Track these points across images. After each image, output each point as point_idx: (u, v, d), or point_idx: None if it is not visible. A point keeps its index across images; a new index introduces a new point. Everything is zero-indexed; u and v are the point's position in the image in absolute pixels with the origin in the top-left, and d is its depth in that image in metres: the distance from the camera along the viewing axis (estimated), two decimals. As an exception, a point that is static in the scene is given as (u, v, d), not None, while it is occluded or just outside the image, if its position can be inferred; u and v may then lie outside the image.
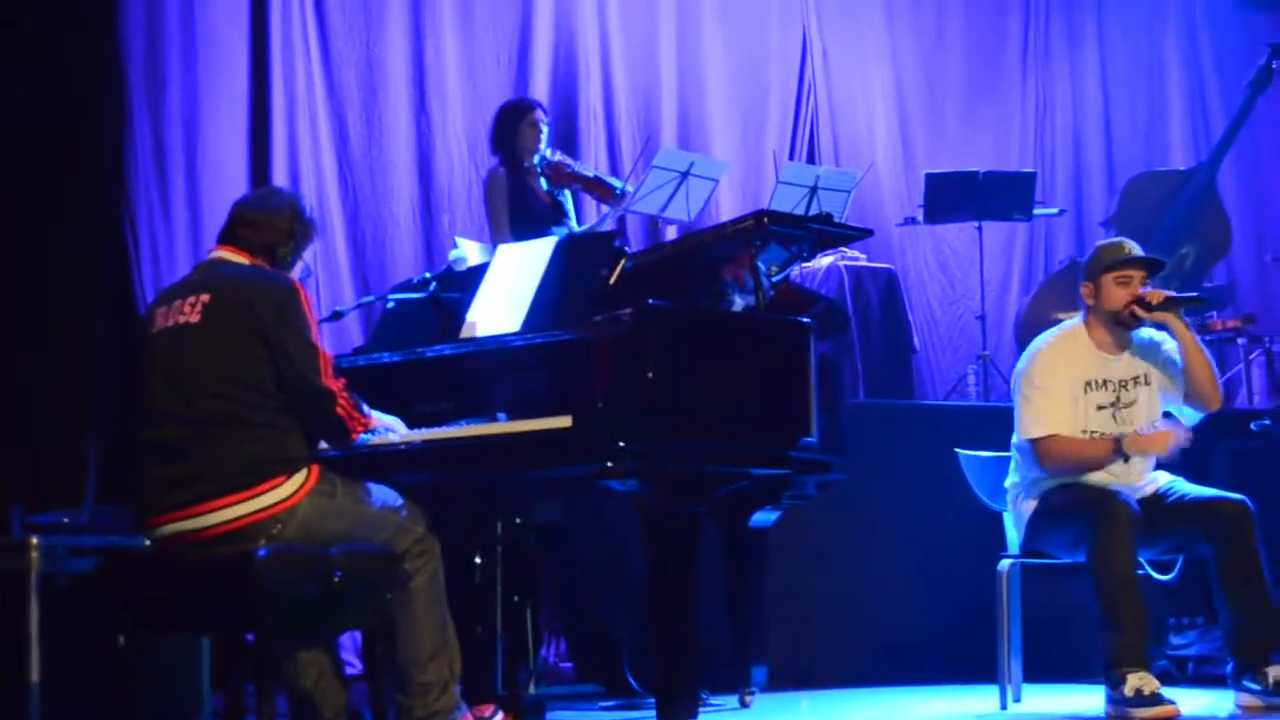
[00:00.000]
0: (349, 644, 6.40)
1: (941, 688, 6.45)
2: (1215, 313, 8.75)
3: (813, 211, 7.16)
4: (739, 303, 5.13)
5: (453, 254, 5.66)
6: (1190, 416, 5.65)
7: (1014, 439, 5.60)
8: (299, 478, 4.34)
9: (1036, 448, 5.48)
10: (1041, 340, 5.69)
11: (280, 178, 7.58)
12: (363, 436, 4.59)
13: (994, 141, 9.94)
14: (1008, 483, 5.70)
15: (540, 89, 8.40)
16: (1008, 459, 5.70)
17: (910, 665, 6.72)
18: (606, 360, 4.53)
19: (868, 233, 5.79)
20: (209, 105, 7.51)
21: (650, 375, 4.48)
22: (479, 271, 5.31)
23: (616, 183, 7.24)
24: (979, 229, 8.78)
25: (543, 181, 7.09)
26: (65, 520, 5.53)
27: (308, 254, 4.68)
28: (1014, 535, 5.70)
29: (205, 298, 4.41)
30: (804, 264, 6.34)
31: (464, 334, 5.11)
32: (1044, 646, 6.08)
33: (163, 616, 4.47)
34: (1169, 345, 5.60)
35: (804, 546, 6.60)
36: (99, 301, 6.89)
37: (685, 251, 5.41)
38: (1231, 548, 5.34)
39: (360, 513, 4.45)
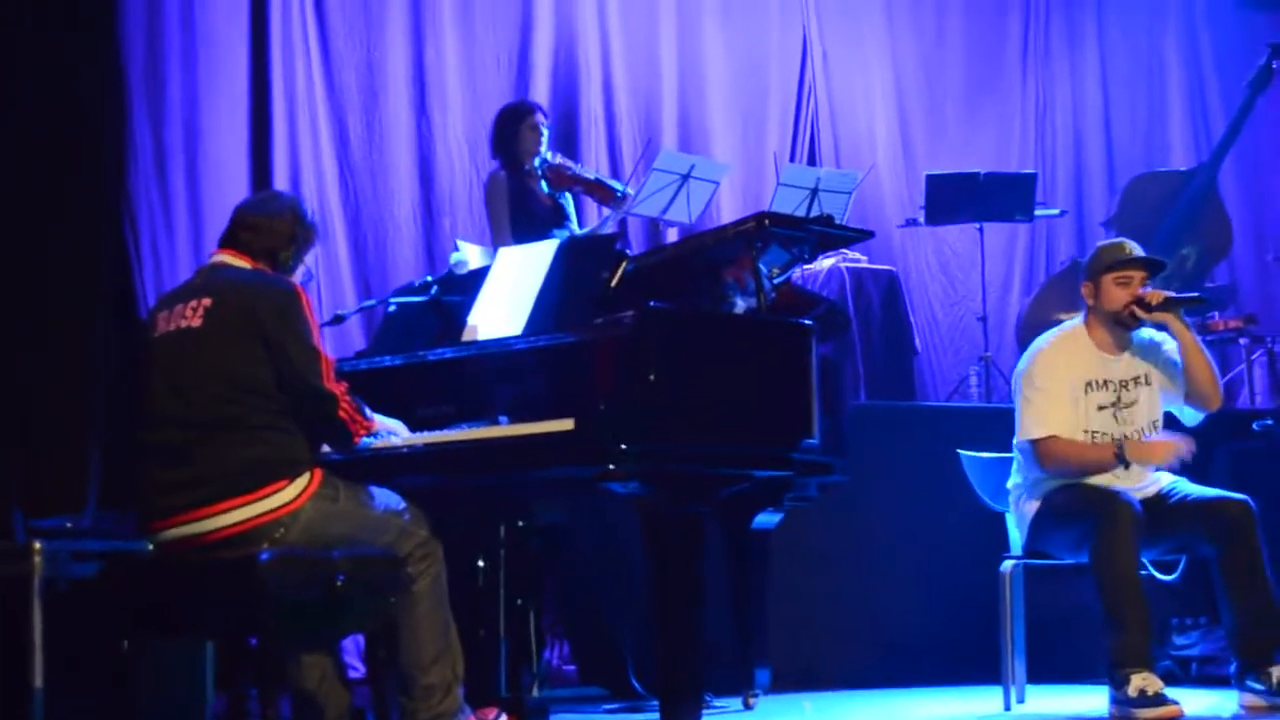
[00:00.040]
0: (352, 647, 6.41)
1: (945, 689, 6.45)
2: (1217, 313, 8.76)
3: (814, 213, 7.18)
4: (740, 305, 5.13)
5: (454, 257, 5.66)
6: (1191, 416, 5.65)
7: (1015, 440, 5.60)
8: (302, 481, 4.34)
9: (1037, 448, 5.48)
10: (1042, 341, 5.69)
11: (281, 181, 7.57)
12: (365, 440, 4.58)
13: (994, 142, 9.94)
14: (1010, 484, 5.70)
15: (541, 91, 8.40)
16: (1010, 460, 5.70)
17: (913, 666, 6.72)
18: (608, 363, 4.53)
19: (869, 234, 5.78)
20: (209, 107, 7.51)
21: (652, 377, 4.48)
22: (480, 275, 5.31)
23: (617, 185, 7.24)
24: (980, 230, 8.78)
25: (543, 184, 7.09)
26: (68, 524, 5.53)
27: (309, 258, 4.68)
28: (1016, 536, 5.70)
29: (207, 302, 4.41)
30: (805, 266, 6.35)
31: (465, 337, 5.11)
32: (1047, 647, 6.08)
33: (166, 620, 4.47)
34: (1169, 345, 5.60)
35: (806, 548, 6.60)
36: (99, 303, 6.88)
37: (686, 254, 5.41)
38: (1234, 548, 5.34)
39: (363, 516, 4.45)
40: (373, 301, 6.70)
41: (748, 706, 5.58)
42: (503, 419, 4.72)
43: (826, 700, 6.33)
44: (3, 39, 6.71)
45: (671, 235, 7.97)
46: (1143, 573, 5.37)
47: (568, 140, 8.38)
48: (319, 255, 6.43)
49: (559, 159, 7.13)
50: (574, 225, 7.17)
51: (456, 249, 6.48)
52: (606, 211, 7.33)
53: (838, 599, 6.83)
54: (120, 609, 4.48)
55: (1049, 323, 6.09)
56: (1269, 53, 9.12)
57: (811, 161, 9.24)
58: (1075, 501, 5.42)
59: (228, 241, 4.59)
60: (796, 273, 5.63)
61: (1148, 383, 5.61)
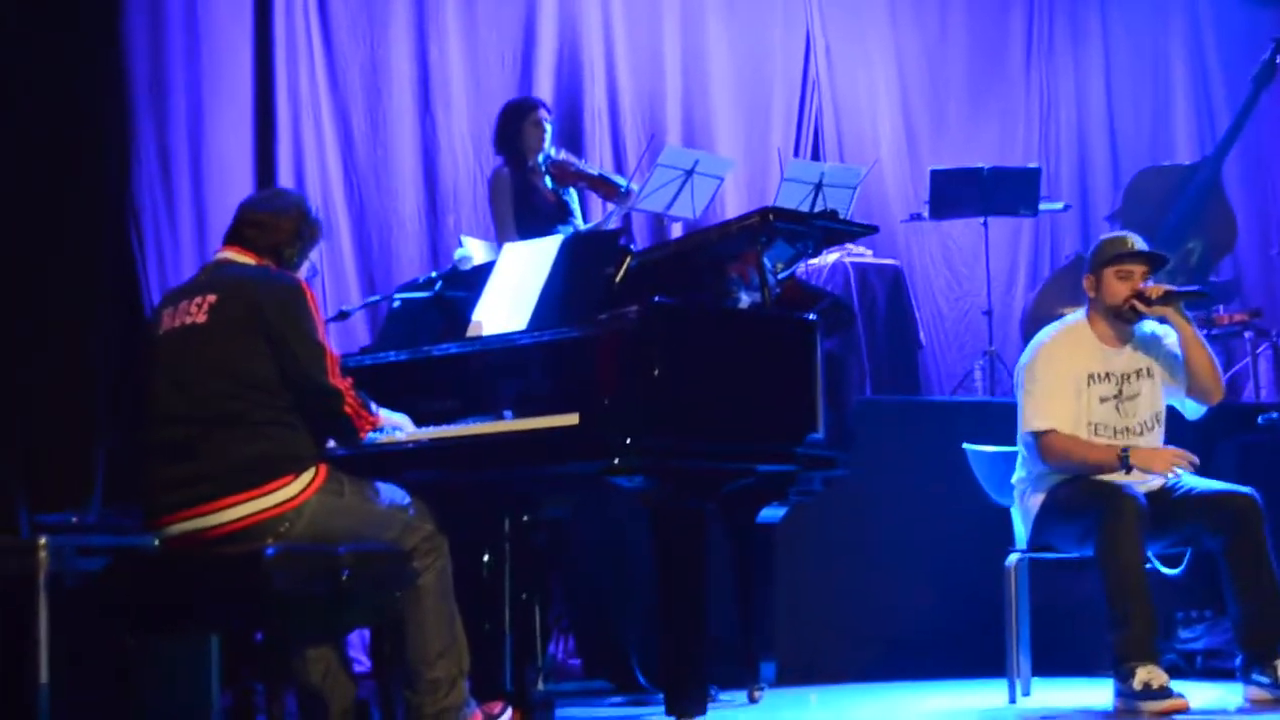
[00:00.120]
0: (357, 642, 6.41)
1: (949, 682, 6.46)
2: (1221, 307, 8.76)
3: (818, 208, 7.16)
4: (745, 300, 5.13)
5: (458, 253, 5.66)
6: (1193, 410, 5.65)
7: (1019, 433, 5.60)
8: (306, 476, 4.34)
9: (1040, 441, 5.49)
10: (1044, 334, 5.69)
11: (285, 178, 7.58)
12: (370, 435, 4.59)
13: (999, 137, 9.94)
14: (1015, 478, 5.70)
15: (545, 88, 8.40)
16: (1014, 454, 5.70)
17: (918, 660, 6.72)
18: (612, 358, 4.53)
19: (873, 229, 5.78)
20: (213, 106, 7.51)
21: (656, 372, 4.48)
22: (484, 270, 5.31)
23: (621, 181, 7.25)
24: (984, 224, 8.78)
25: (548, 180, 7.10)
26: (73, 520, 5.54)
27: (314, 254, 4.68)
28: (1021, 530, 5.70)
29: (212, 298, 4.41)
30: (809, 261, 6.35)
31: (470, 333, 5.12)
32: (1052, 641, 6.09)
33: (171, 616, 4.46)
34: (1171, 339, 5.60)
35: (811, 542, 6.61)
36: (101, 301, 6.89)
37: (691, 249, 5.41)
38: (1240, 541, 5.34)
39: (368, 511, 4.45)
40: (377, 297, 6.72)
41: (753, 700, 5.58)
42: (507, 414, 4.73)
43: (831, 694, 6.33)
44: (4, 39, 6.71)
45: (676, 231, 7.97)
46: (1147, 566, 5.37)
47: (572, 136, 8.39)
48: (324, 252, 6.44)
49: (563, 155, 7.13)
50: (578, 221, 7.17)
51: (461, 245, 6.49)
52: (610, 207, 7.34)
53: (842, 593, 6.83)
54: (125, 605, 4.48)
55: (1053, 317, 6.09)
56: (1273, 47, 9.11)
57: (815, 156, 9.24)
58: (1080, 495, 5.42)
59: (232, 238, 4.59)
60: (801, 268, 5.64)
61: (1150, 376, 5.61)
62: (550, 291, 4.99)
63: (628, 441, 4.42)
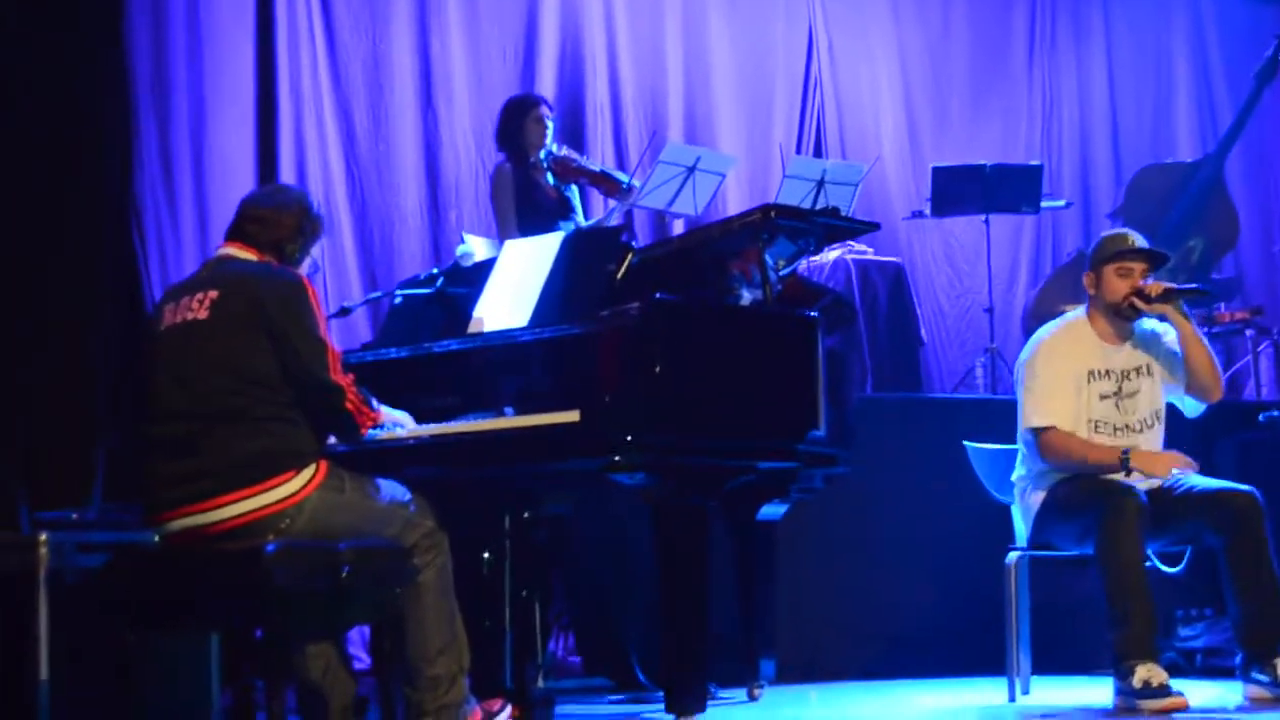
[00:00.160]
0: (357, 638, 6.41)
1: (949, 680, 6.46)
2: (1223, 304, 8.76)
3: (820, 205, 7.17)
4: (746, 297, 5.13)
5: (460, 249, 5.66)
6: (1192, 407, 5.66)
7: (1019, 430, 5.60)
8: (307, 473, 4.34)
9: (1039, 439, 5.49)
10: (1044, 331, 5.70)
11: (287, 174, 7.58)
12: (371, 432, 4.59)
13: (1001, 134, 9.94)
14: (1015, 475, 5.70)
15: (547, 85, 8.40)
16: (1015, 451, 5.71)
17: (918, 658, 6.73)
18: (614, 354, 4.53)
19: (875, 226, 5.78)
20: (215, 103, 7.51)
21: (658, 369, 4.48)
22: (486, 267, 5.31)
23: (623, 177, 7.25)
24: (986, 222, 8.78)
25: (549, 176, 7.10)
26: (74, 516, 5.53)
27: (316, 250, 4.68)
28: (1022, 528, 5.70)
29: (214, 294, 4.41)
30: (811, 258, 6.34)
31: (471, 329, 5.12)
32: (1052, 639, 6.09)
33: (171, 612, 4.46)
34: (1171, 336, 5.60)
35: (812, 539, 6.61)
36: (102, 298, 6.89)
37: (692, 246, 5.41)
38: (1240, 539, 5.34)
39: (369, 507, 4.45)
40: (379, 294, 6.71)
41: (753, 698, 5.59)
42: (508, 410, 4.73)
43: (831, 691, 6.33)
44: (4, 39, 6.71)
45: (677, 227, 7.97)
46: (1147, 564, 5.37)
47: (574, 133, 8.39)
48: (325, 248, 6.44)
49: (564, 151, 7.13)
50: (579, 217, 7.17)
51: (462, 241, 6.49)
52: (612, 204, 7.34)
53: (843, 590, 6.83)
54: (125, 601, 4.48)
55: (1055, 314, 6.09)
56: (1276, 43, 9.12)
57: (817, 153, 9.24)
58: (1080, 493, 5.42)
59: (234, 234, 4.59)
60: (802, 264, 5.64)
61: (1149, 373, 5.61)
62: (552, 288, 4.99)
63: (629, 438, 4.42)
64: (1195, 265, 8.98)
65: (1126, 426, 5.56)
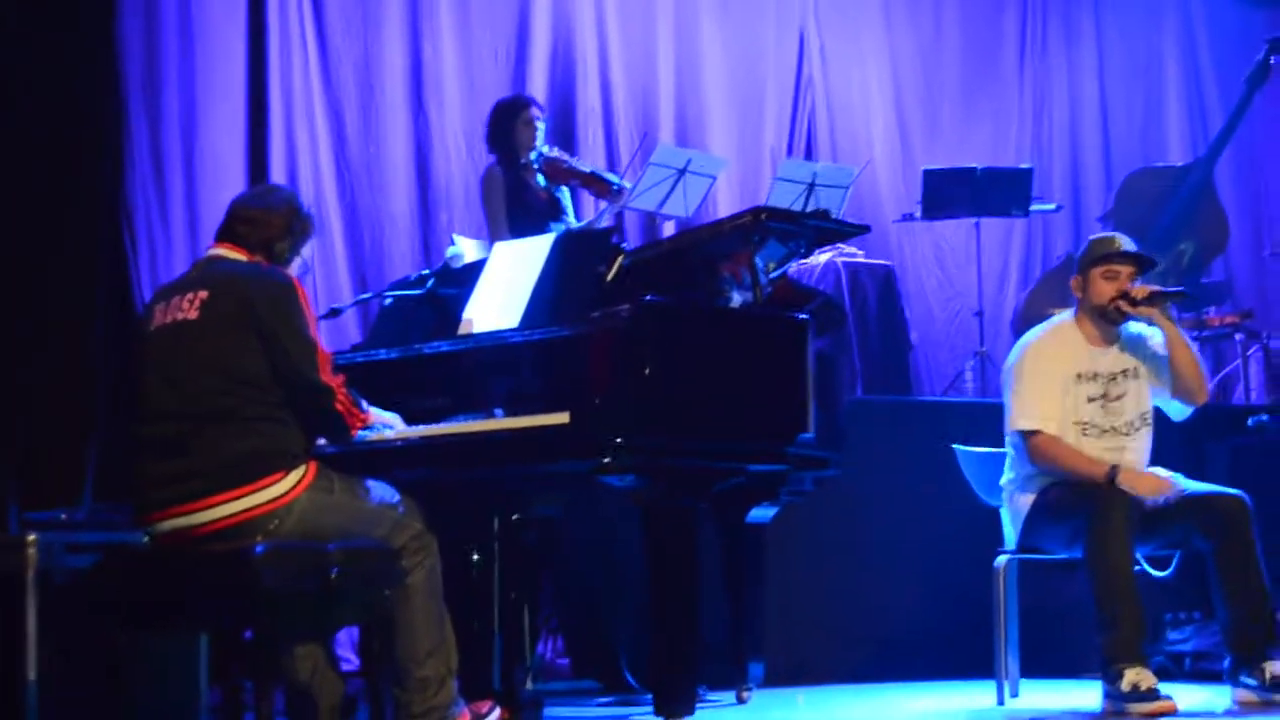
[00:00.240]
0: (346, 640, 6.41)
1: (938, 683, 6.47)
2: (1213, 308, 8.77)
3: (810, 208, 7.17)
4: (736, 299, 5.13)
5: (450, 251, 5.66)
6: (1178, 411, 5.66)
7: (1006, 433, 5.61)
8: (296, 474, 4.34)
9: (1027, 442, 5.49)
10: (1031, 334, 5.71)
11: (278, 175, 7.58)
12: (361, 433, 4.59)
13: (991, 137, 9.95)
14: (1004, 479, 5.70)
15: (538, 86, 8.40)
16: (1004, 455, 5.70)
17: (907, 661, 6.73)
18: (604, 356, 4.53)
19: (865, 229, 5.78)
20: (206, 104, 7.50)
21: (648, 371, 4.48)
22: (476, 268, 5.31)
23: (614, 179, 7.24)
24: (976, 225, 8.80)
25: (540, 178, 7.09)
26: (63, 517, 5.53)
27: (306, 251, 4.68)
28: (1010, 531, 5.70)
29: (203, 294, 4.41)
30: (801, 260, 6.34)
31: (461, 331, 5.11)
32: (1041, 642, 6.08)
33: (160, 613, 4.46)
34: (1157, 339, 5.61)
35: (801, 542, 6.61)
36: (98, 301, 6.89)
37: (683, 248, 5.41)
38: (1229, 543, 5.34)
39: (358, 509, 4.45)
40: (369, 295, 6.71)
41: (741, 700, 5.57)
42: (498, 412, 4.72)
43: (820, 695, 6.33)
44: (3, 39, 6.71)
45: (668, 229, 7.97)
46: (1136, 568, 5.37)
47: (565, 135, 8.39)
48: (315, 249, 6.43)
49: (555, 152, 7.12)
50: (570, 219, 7.17)
51: (453, 243, 6.49)
52: (603, 205, 7.34)
53: (832, 593, 6.84)
54: (114, 601, 4.48)
55: (1044, 318, 6.09)
56: (1266, 48, 9.12)
57: (808, 156, 9.25)
58: (1069, 497, 5.42)
59: (224, 235, 4.59)
60: (793, 267, 5.63)
61: (1136, 376, 5.62)
62: (542, 290, 4.99)
63: (619, 440, 4.42)
64: (1185, 269, 8.99)
65: (1114, 429, 5.56)
